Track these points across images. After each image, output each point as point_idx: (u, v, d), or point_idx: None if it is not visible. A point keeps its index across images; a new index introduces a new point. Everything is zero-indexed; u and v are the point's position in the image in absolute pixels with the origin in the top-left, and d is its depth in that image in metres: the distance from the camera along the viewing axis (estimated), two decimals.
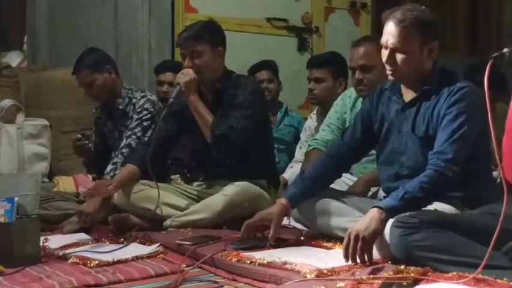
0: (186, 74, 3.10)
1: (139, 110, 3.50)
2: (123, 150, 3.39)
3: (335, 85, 4.01)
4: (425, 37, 2.46)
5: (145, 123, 3.45)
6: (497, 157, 1.79)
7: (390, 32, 2.46)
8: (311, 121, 4.20)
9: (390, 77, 2.53)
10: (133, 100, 3.56)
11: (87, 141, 3.80)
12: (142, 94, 3.60)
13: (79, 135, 3.83)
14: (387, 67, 2.50)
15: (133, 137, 3.43)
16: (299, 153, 4.18)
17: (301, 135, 4.26)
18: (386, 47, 2.48)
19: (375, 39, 3.22)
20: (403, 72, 2.48)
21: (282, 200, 2.65)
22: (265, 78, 4.49)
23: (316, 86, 4.01)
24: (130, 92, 3.61)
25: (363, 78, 3.27)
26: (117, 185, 3.10)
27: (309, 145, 3.59)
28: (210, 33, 3.19)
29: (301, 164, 3.93)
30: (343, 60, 4.03)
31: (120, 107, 3.58)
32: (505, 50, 1.69)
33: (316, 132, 4.13)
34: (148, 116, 3.47)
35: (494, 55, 1.69)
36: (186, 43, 3.16)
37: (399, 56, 2.46)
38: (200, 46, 3.14)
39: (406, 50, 2.45)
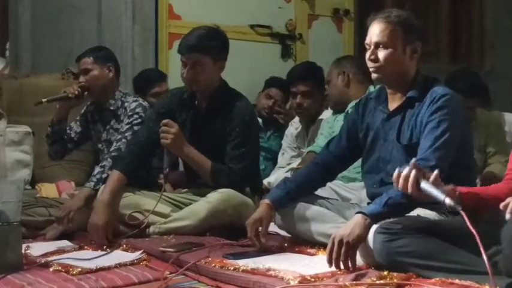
0: (167, 133, 3.05)
1: (130, 113, 3.48)
2: (113, 154, 3.37)
3: (320, 95, 4.03)
4: (408, 36, 2.51)
5: (135, 128, 3.43)
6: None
7: (374, 30, 2.51)
8: (292, 128, 4.21)
9: (373, 75, 2.55)
10: (126, 104, 3.55)
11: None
12: (135, 99, 3.59)
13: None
14: (370, 64, 2.53)
15: (123, 140, 3.40)
16: (282, 160, 4.19)
17: (282, 142, 4.27)
18: (369, 45, 2.52)
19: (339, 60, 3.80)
20: (385, 69, 2.50)
21: (266, 201, 2.69)
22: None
23: (305, 100, 4.01)
24: (124, 96, 3.60)
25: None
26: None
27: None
28: (217, 47, 3.17)
29: (283, 169, 3.94)
30: (321, 70, 4.08)
31: (112, 108, 3.56)
32: None
33: (297, 139, 4.15)
34: (139, 120, 3.45)
35: None
36: (190, 52, 3.12)
37: (382, 52, 2.49)
38: (204, 59, 3.12)
39: (390, 45, 2.48)
